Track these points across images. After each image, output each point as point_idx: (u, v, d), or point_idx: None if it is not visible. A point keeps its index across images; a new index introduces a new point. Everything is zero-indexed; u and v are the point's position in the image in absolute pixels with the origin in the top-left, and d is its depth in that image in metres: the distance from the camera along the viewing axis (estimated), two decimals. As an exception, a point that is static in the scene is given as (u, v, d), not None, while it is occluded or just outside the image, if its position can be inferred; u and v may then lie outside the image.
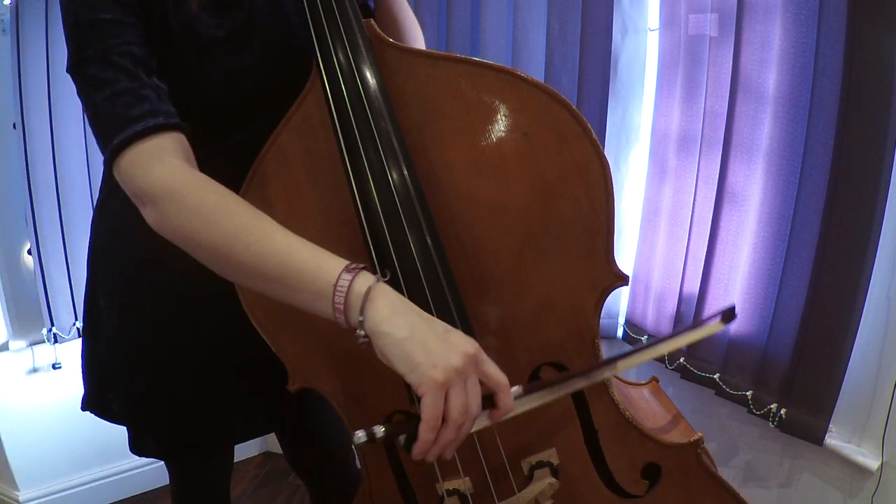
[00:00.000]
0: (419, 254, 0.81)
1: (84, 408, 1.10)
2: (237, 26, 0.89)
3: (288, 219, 0.87)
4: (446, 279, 0.82)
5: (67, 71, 0.81)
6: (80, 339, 1.09)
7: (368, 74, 0.84)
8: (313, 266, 0.73)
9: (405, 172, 0.82)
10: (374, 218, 0.81)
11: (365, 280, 0.71)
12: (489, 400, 0.72)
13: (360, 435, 0.69)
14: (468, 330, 0.82)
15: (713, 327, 0.79)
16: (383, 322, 0.69)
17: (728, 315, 0.78)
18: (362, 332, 0.70)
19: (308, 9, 0.86)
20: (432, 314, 0.80)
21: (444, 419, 0.68)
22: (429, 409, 0.67)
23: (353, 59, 0.84)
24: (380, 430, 0.70)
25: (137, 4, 0.81)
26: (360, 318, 0.70)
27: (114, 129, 0.77)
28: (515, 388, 0.75)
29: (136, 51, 0.80)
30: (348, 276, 0.71)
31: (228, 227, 0.75)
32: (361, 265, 0.73)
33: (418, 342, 0.68)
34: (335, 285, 0.70)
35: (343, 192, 0.84)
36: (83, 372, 1.10)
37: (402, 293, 0.80)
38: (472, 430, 0.72)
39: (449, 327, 0.72)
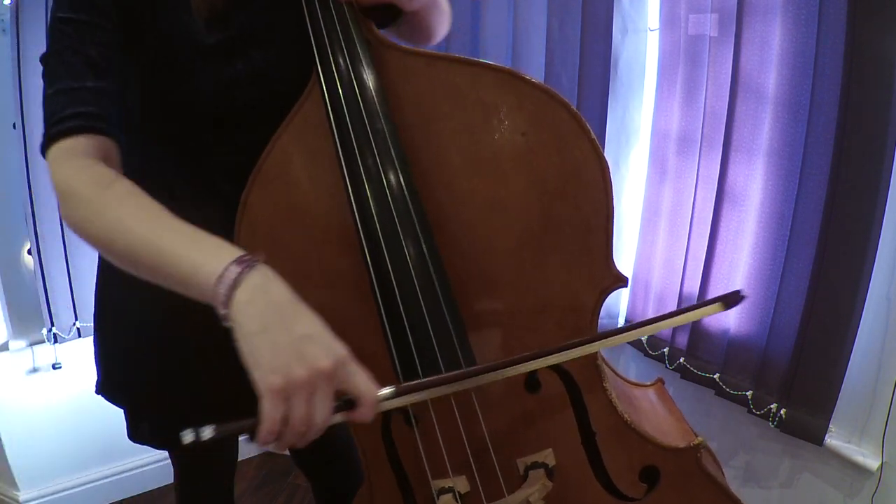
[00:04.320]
0: (412, 256, 0.81)
1: (98, 391, 1.11)
2: (229, 38, 0.89)
3: (290, 218, 0.87)
4: (439, 280, 0.82)
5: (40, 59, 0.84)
6: (92, 327, 1.11)
7: (366, 77, 0.84)
8: (191, 259, 0.70)
9: (401, 175, 0.82)
10: (367, 219, 0.82)
11: (240, 266, 0.67)
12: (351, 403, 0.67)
13: (187, 435, 0.64)
14: (461, 334, 0.82)
15: (714, 308, 0.76)
16: (238, 311, 0.65)
17: (731, 299, 0.75)
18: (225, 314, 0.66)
19: (308, 15, 0.87)
20: (423, 315, 0.80)
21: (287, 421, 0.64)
22: (264, 414, 0.63)
23: (351, 64, 0.85)
24: (208, 431, 0.64)
25: (114, 10, 0.83)
26: (224, 301, 0.66)
27: (46, 124, 0.81)
28: (386, 391, 0.70)
29: (93, 52, 0.82)
30: (236, 268, 0.67)
31: (109, 219, 0.74)
32: (247, 256, 0.68)
33: (268, 341, 0.64)
34: (219, 277, 0.67)
35: (344, 192, 0.84)
36: (95, 355, 1.11)
37: (393, 294, 0.80)
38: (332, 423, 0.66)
39: (314, 332, 0.66)
